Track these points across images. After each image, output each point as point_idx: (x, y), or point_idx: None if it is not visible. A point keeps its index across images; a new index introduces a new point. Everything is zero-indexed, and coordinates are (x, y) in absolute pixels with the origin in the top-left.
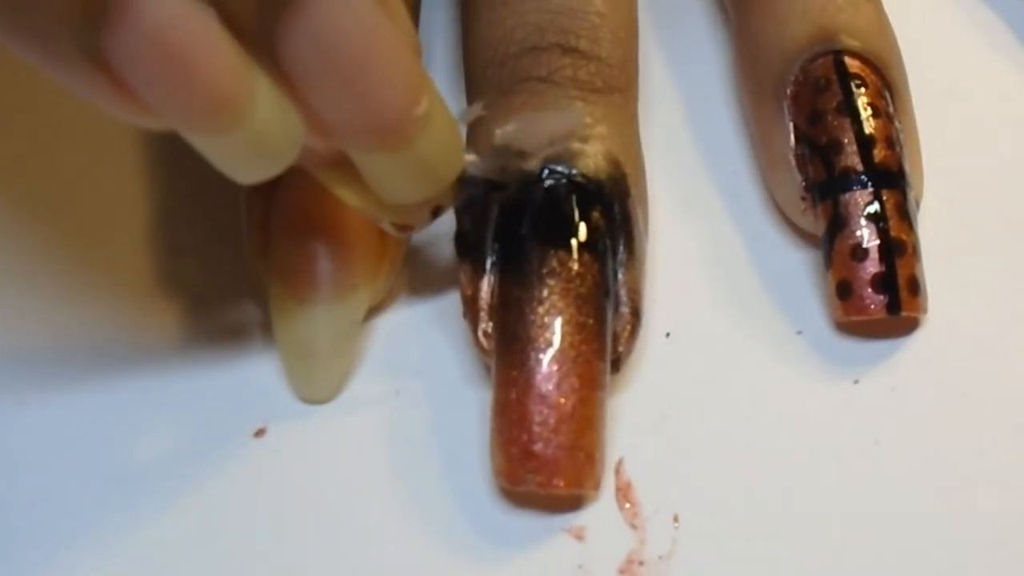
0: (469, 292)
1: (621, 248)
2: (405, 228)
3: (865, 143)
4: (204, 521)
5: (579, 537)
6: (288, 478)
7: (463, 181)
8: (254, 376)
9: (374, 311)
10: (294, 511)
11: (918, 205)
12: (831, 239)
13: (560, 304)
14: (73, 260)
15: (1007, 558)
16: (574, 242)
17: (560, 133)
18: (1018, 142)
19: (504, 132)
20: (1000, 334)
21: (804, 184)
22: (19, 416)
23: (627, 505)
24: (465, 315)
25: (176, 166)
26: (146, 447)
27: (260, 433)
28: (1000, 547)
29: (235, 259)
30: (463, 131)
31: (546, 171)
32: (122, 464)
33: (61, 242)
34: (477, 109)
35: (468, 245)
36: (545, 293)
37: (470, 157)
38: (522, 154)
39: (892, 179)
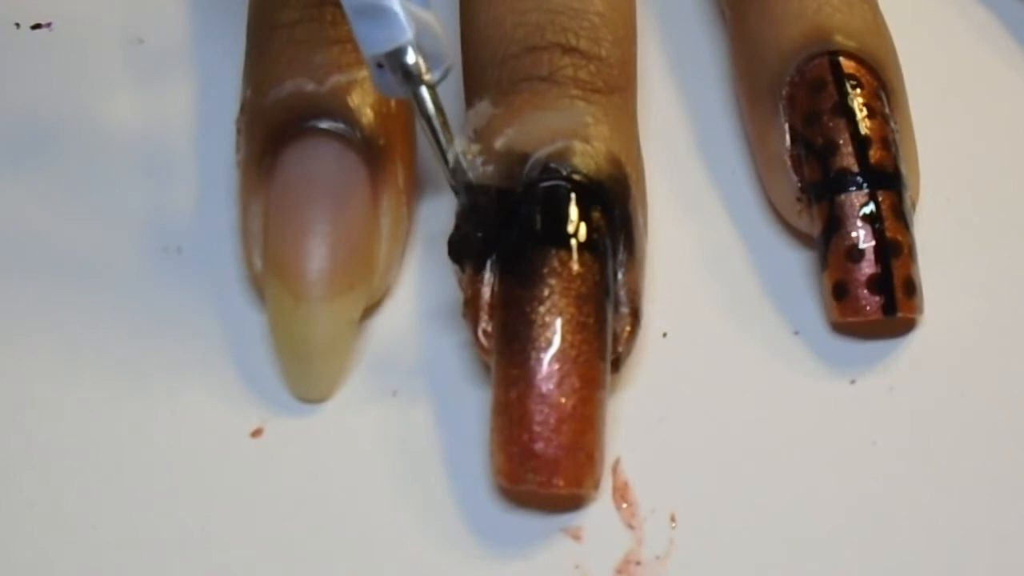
0: (469, 292)
1: (621, 249)
2: None
3: (861, 144)
4: (202, 521)
5: (576, 537)
6: (285, 478)
7: (470, 187)
8: (251, 375)
9: (371, 310)
10: (291, 511)
11: (914, 206)
12: (827, 240)
13: (561, 303)
14: (70, 260)
15: (1006, 558)
16: (575, 242)
17: (562, 132)
18: (1014, 143)
19: (507, 138)
20: (997, 334)
21: (800, 185)
22: (19, 416)
23: (624, 505)
24: (465, 314)
25: (174, 164)
26: (144, 447)
27: (257, 433)
28: (998, 547)
29: (232, 258)
30: (471, 132)
31: (547, 171)
32: (120, 464)
33: (60, 242)
34: (486, 109)
35: (461, 251)
36: (546, 292)
37: (474, 148)
38: (525, 158)
39: (888, 180)
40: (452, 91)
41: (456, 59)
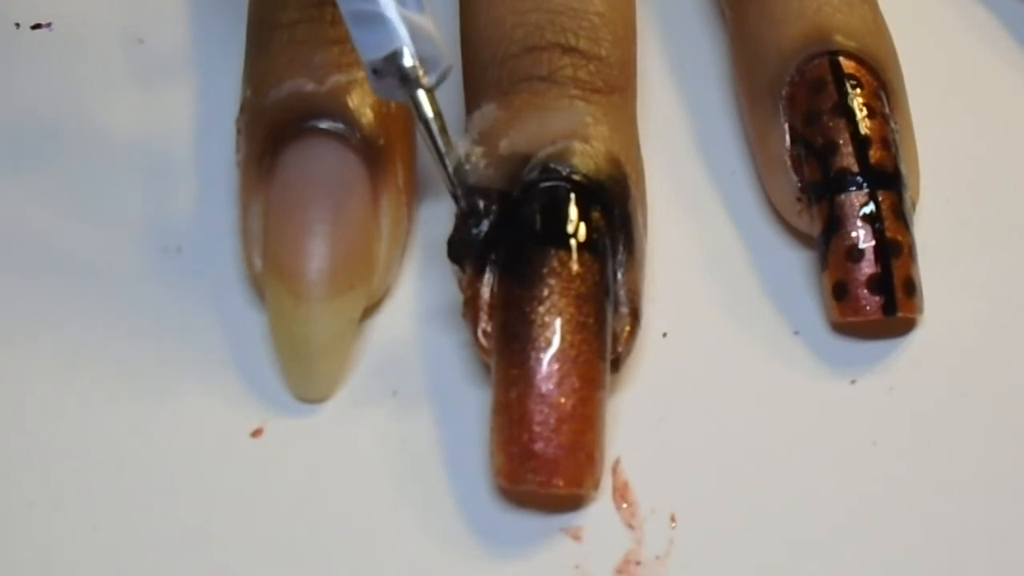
0: (468, 293)
1: (621, 249)
2: None
3: (861, 144)
4: (202, 521)
5: (576, 537)
6: (285, 478)
7: (471, 190)
8: (251, 375)
9: (371, 310)
10: (291, 511)
11: (914, 206)
12: (827, 240)
13: (560, 303)
14: (70, 260)
15: (1006, 558)
16: (574, 242)
17: (561, 132)
18: (1014, 142)
19: (508, 140)
20: (997, 334)
21: (800, 185)
22: (19, 416)
23: (624, 505)
24: (464, 314)
25: (174, 164)
26: (144, 447)
27: (257, 433)
28: (998, 547)
29: (232, 258)
30: (475, 135)
31: (547, 171)
32: (120, 464)
33: (60, 242)
34: (491, 112)
35: (461, 252)
36: (545, 292)
37: (477, 151)
38: (526, 160)
39: (888, 180)
40: (453, 92)
41: (455, 61)
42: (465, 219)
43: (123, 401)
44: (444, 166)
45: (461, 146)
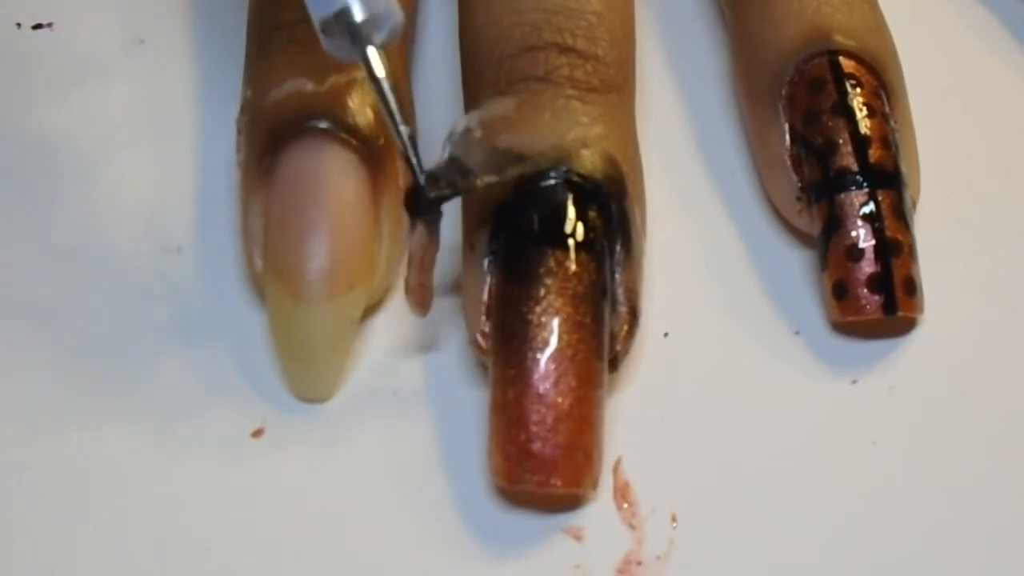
0: (415, 247)
1: (618, 248)
2: None
3: (860, 143)
4: (202, 521)
5: (577, 537)
6: (286, 478)
7: (454, 161)
8: (252, 375)
9: (371, 310)
10: (292, 511)
11: (914, 205)
12: (827, 239)
13: (557, 303)
14: (70, 260)
15: (1006, 558)
16: (571, 241)
17: (558, 135)
18: (1015, 142)
19: (508, 137)
20: (997, 334)
21: (800, 184)
22: (18, 416)
23: (625, 505)
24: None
25: (174, 165)
26: (144, 446)
27: (258, 433)
28: (998, 547)
29: (233, 258)
30: (484, 117)
31: (544, 171)
32: (120, 464)
33: (60, 242)
34: (507, 105)
35: (421, 204)
36: (542, 292)
37: (477, 133)
38: (519, 158)
39: (888, 179)
40: (452, 90)
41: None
42: (435, 179)
43: (123, 401)
44: (394, 123)
45: (463, 121)
